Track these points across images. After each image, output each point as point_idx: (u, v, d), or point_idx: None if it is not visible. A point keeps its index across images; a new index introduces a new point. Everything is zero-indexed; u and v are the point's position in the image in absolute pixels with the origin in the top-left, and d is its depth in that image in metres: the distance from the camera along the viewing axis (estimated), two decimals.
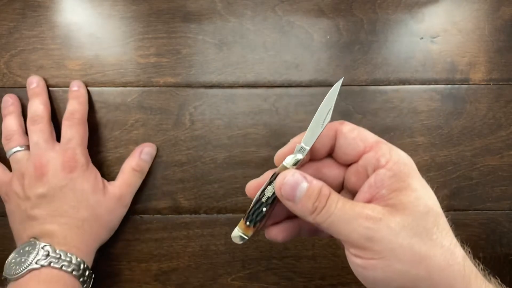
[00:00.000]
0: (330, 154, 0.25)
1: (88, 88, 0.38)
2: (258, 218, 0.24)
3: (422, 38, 0.39)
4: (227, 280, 0.39)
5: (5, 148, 0.36)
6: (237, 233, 0.25)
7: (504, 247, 0.39)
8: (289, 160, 0.23)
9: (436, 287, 0.20)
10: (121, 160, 0.38)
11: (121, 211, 0.37)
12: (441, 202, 0.36)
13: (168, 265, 0.39)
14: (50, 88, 0.38)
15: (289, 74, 0.38)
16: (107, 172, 0.38)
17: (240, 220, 0.25)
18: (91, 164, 0.36)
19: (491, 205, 0.39)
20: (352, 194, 0.24)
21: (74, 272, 0.31)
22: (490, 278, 0.22)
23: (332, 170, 0.25)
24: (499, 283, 0.22)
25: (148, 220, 0.39)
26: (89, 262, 0.34)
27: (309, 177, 0.21)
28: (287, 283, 0.39)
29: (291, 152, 0.23)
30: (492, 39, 0.39)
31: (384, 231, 0.20)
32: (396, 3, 0.38)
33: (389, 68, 0.38)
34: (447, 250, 0.20)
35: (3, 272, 0.31)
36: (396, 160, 0.21)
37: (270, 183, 0.23)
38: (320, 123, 0.22)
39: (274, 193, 0.23)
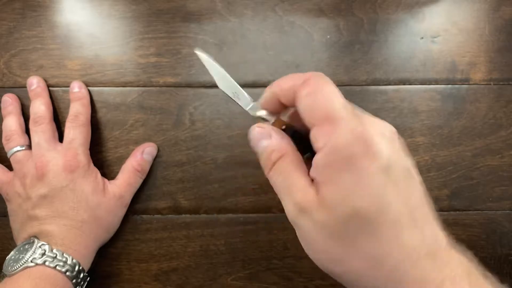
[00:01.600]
0: None
1: (88, 88, 0.38)
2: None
3: (422, 38, 0.38)
4: (227, 280, 0.39)
5: (6, 148, 0.36)
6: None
7: (504, 247, 0.39)
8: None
9: (358, 283, 0.20)
10: (121, 160, 0.38)
11: (121, 211, 0.37)
12: (441, 202, 0.36)
13: (168, 265, 0.39)
14: (50, 88, 0.38)
15: (289, 74, 0.38)
16: (107, 172, 0.38)
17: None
18: (92, 165, 0.36)
19: (492, 205, 0.39)
20: None
21: (68, 273, 0.31)
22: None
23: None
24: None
25: (148, 220, 0.39)
26: (87, 264, 0.34)
27: (274, 134, 0.21)
28: (287, 283, 0.39)
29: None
30: (492, 39, 0.39)
31: (306, 223, 0.20)
32: (396, 3, 0.38)
33: (390, 68, 0.38)
34: (368, 259, 0.19)
35: (3, 269, 0.31)
36: (334, 146, 0.18)
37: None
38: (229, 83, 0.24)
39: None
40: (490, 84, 0.39)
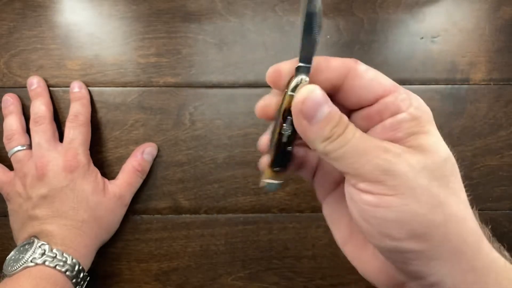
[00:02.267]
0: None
1: (88, 88, 0.38)
2: (286, 159, 0.22)
3: (422, 38, 0.38)
4: (227, 280, 0.39)
5: (6, 148, 0.36)
6: (269, 182, 0.23)
7: (504, 247, 0.39)
8: (293, 86, 0.20)
9: (448, 237, 0.18)
10: (121, 160, 0.38)
11: (121, 211, 0.37)
12: None
13: (168, 265, 0.39)
14: (50, 88, 0.38)
15: None
16: (107, 172, 0.38)
17: (262, 173, 0.23)
18: (92, 165, 0.36)
19: (491, 205, 0.39)
20: None
21: (67, 273, 0.31)
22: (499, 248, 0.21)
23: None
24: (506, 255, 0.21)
25: (148, 220, 0.39)
26: (87, 263, 0.34)
27: (330, 102, 0.19)
28: (287, 283, 0.39)
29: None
30: (492, 39, 0.39)
31: (403, 166, 0.18)
32: (396, 3, 0.38)
33: (389, 68, 0.38)
34: (463, 202, 0.19)
35: (3, 269, 0.31)
36: (417, 106, 0.19)
37: (284, 121, 0.20)
38: (313, 31, 0.19)
39: (293, 130, 0.20)
40: (490, 84, 0.39)
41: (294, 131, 0.20)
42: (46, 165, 0.33)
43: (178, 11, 0.38)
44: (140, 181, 0.38)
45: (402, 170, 0.18)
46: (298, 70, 0.20)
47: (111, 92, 0.38)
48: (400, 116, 0.19)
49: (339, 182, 0.24)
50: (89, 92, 0.38)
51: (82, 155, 0.35)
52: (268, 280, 0.39)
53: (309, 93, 0.19)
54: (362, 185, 0.18)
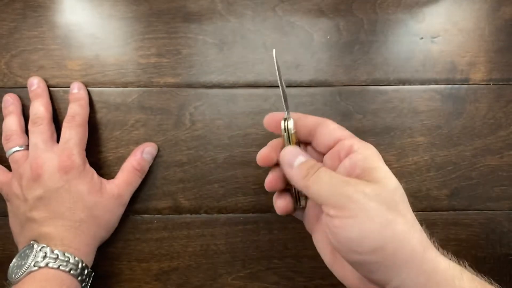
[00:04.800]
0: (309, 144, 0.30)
1: (89, 88, 0.38)
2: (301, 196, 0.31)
3: (422, 38, 0.39)
4: (228, 280, 0.39)
5: (5, 148, 0.36)
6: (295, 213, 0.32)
7: (504, 247, 0.39)
8: (283, 126, 0.28)
9: (399, 248, 0.23)
10: (121, 160, 0.38)
11: (119, 210, 0.37)
12: (441, 202, 0.36)
13: (169, 265, 0.39)
14: (51, 88, 0.38)
15: (289, 74, 0.38)
16: (107, 172, 0.38)
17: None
18: (87, 165, 0.36)
19: (491, 205, 0.39)
20: None
21: (72, 271, 0.31)
22: (447, 253, 0.25)
23: (313, 155, 0.30)
24: (450, 258, 0.25)
25: (149, 220, 0.39)
26: (89, 261, 0.34)
27: (306, 155, 0.28)
28: (288, 282, 0.39)
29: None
30: (492, 39, 0.39)
31: (360, 194, 0.23)
32: (396, 3, 0.38)
33: (389, 68, 0.38)
34: (409, 221, 0.24)
35: (7, 277, 0.31)
36: (366, 147, 0.26)
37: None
38: (281, 86, 0.28)
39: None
40: (490, 84, 0.39)
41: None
42: (41, 166, 0.33)
43: (179, 11, 0.38)
44: (139, 180, 0.38)
45: (358, 197, 0.23)
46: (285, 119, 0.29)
47: (112, 92, 0.38)
48: (353, 156, 0.26)
49: (320, 216, 0.30)
50: (89, 92, 0.38)
51: (77, 155, 0.34)
52: (268, 279, 0.39)
53: (289, 149, 0.28)
54: (331, 211, 0.24)
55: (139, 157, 0.37)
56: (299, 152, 0.27)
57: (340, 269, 0.28)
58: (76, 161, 0.34)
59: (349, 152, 0.26)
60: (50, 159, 0.34)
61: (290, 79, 0.38)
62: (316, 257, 0.39)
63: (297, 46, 0.38)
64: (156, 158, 0.39)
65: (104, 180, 0.36)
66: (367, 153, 0.25)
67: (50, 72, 0.38)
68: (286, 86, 0.38)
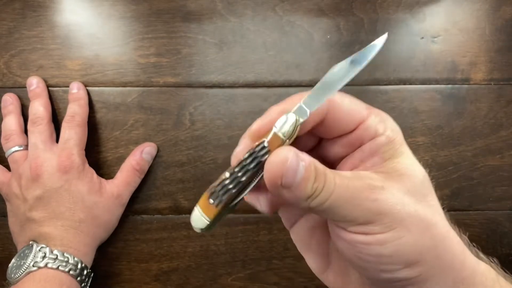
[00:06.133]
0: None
1: (88, 88, 0.38)
2: (226, 195, 0.18)
3: (422, 37, 0.38)
4: (227, 280, 0.39)
5: (4, 148, 0.36)
6: (198, 215, 0.19)
7: (505, 247, 0.39)
8: (284, 126, 0.17)
9: (439, 257, 0.18)
10: (121, 160, 0.38)
11: (119, 210, 0.37)
12: (441, 202, 0.36)
13: (168, 265, 0.39)
14: (50, 88, 0.38)
15: (290, 74, 0.38)
16: (107, 172, 0.38)
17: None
18: (87, 165, 0.36)
19: (492, 205, 0.39)
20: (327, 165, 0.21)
21: (71, 272, 0.31)
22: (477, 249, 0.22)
23: (305, 141, 0.21)
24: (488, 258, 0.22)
25: (149, 220, 0.39)
26: (89, 261, 0.34)
27: (299, 153, 0.18)
28: (288, 283, 0.39)
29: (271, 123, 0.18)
30: (493, 39, 0.39)
31: (390, 200, 0.17)
32: (396, 2, 0.38)
33: (390, 68, 0.38)
34: (443, 217, 0.19)
35: (7, 277, 0.31)
36: (392, 127, 0.20)
37: (259, 166, 0.18)
38: (335, 85, 0.18)
39: (257, 164, 0.18)
40: (491, 84, 0.39)
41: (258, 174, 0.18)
42: (41, 166, 0.33)
43: (178, 11, 0.38)
44: (138, 180, 0.37)
45: (391, 206, 0.17)
46: (295, 110, 0.18)
47: (111, 92, 0.38)
48: (378, 140, 0.19)
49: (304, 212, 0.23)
50: (89, 92, 0.38)
51: (76, 155, 0.34)
52: (268, 280, 0.39)
53: (284, 163, 0.17)
54: (354, 228, 0.18)
55: (139, 157, 0.37)
56: (296, 158, 0.17)
57: (337, 278, 0.22)
58: (76, 161, 0.34)
59: (373, 136, 0.20)
60: (50, 159, 0.34)
61: (290, 78, 0.38)
62: None
63: (297, 46, 0.38)
64: (156, 158, 0.38)
65: (103, 180, 0.36)
66: (393, 136, 0.19)
67: (50, 72, 0.38)
68: (286, 86, 0.38)
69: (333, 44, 0.38)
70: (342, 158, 0.21)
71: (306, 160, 0.17)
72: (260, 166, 0.18)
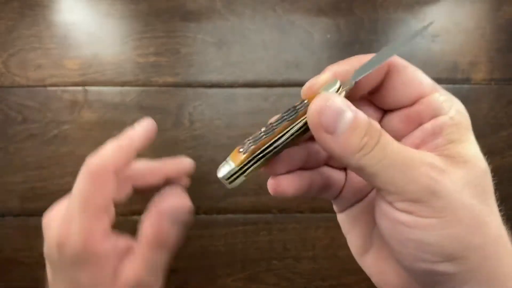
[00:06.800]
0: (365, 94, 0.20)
1: (87, 87, 0.38)
2: (256, 142, 0.18)
3: (423, 37, 0.38)
4: (227, 281, 0.39)
5: None
6: (224, 163, 0.18)
7: None
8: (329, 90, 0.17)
9: (485, 260, 0.16)
10: None
11: None
12: None
13: (168, 266, 0.39)
14: (48, 88, 0.38)
15: (289, 73, 0.38)
16: None
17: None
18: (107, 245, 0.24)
19: None
20: None
21: None
22: None
23: (368, 113, 0.18)
24: None
25: None
26: None
27: (353, 107, 0.16)
28: (287, 284, 0.39)
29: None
30: (493, 39, 0.38)
31: (449, 186, 0.16)
32: (397, 2, 0.38)
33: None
34: (499, 219, 0.17)
35: None
36: (459, 109, 0.18)
37: (296, 115, 0.18)
38: (383, 57, 0.17)
39: (300, 128, 0.17)
40: (491, 84, 0.38)
41: (298, 134, 0.18)
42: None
43: (177, 10, 0.38)
44: (167, 256, 0.25)
45: (448, 190, 0.16)
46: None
47: (110, 92, 0.38)
48: (441, 119, 0.17)
49: (365, 194, 0.22)
50: (87, 92, 0.37)
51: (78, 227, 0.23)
52: (268, 281, 0.39)
53: (325, 101, 0.16)
54: (401, 205, 0.16)
55: (161, 225, 0.24)
56: (342, 103, 0.16)
57: (376, 263, 0.21)
58: (74, 236, 0.22)
59: (436, 114, 0.18)
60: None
61: (290, 78, 0.38)
62: (316, 258, 0.39)
63: (297, 45, 0.38)
64: (155, 158, 0.38)
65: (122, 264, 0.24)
66: (458, 119, 0.18)
67: (48, 71, 0.38)
68: (286, 86, 0.38)
69: (333, 44, 0.38)
70: (402, 137, 0.19)
71: (358, 112, 0.16)
72: (297, 116, 0.18)
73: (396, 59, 0.18)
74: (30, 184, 0.38)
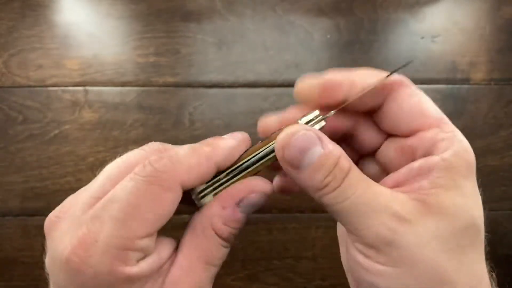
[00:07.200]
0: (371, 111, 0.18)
1: (87, 87, 0.38)
2: (233, 171, 0.18)
3: (423, 37, 0.38)
4: (227, 281, 0.39)
5: None
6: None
7: (505, 247, 0.39)
8: (306, 120, 0.17)
9: None
10: None
11: None
12: None
13: None
14: (49, 88, 0.38)
15: (289, 73, 0.38)
16: None
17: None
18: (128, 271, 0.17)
19: (492, 205, 0.39)
20: (382, 169, 0.19)
21: None
22: None
23: (369, 132, 0.18)
24: None
25: None
26: None
27: (325, 139, 0.16)
28: (287, 283, 0.39)
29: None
30: (493, 39, 0.38)
31: (410, 238, 0.15)
32: (396, 2, 0.38)
33: (390, 67, 0.38)
34: (476, 278, 0.16)
35: None
36: (457, 151, 0.16)
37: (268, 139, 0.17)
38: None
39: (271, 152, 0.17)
40: (491, 84, 0.39)
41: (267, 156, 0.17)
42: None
43: (178, 10, 0.38)
44: (223, 253, 0.19)
45: (408, 243, 0.15)
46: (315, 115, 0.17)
47: (110, 92, 0.38)
48: (432, 160, 0.16)
49: None
50: (88, 92, 0.38)
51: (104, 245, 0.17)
52: (267, 280, 0.39)
53: (290, 136, 0.16)
54: (359, 246, 0.16)
55: (230, 211, 0.18)
56: (312, 140, 0.16)
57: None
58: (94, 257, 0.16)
59: (429, 152, 0.16)
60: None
61: (290, 78, 0.38)
62: (316, 257, 0.39)
63: (297, 45, 0.38)
64: None
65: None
66: (454, 162, 0.16)
67: (49, 71, 0.38)
68: (286, 86, 0.38)
69: (333, 43, 0.38)
70: (393, 166, 0.18)
71: (328, 147, 0.15)
72: (269, 139, 0.18)
73: (404, 84, 0.17)
74: (30, 184, 0.38)
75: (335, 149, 0.16)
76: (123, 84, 0.38)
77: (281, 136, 0.16)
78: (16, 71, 0.38)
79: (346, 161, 0.16)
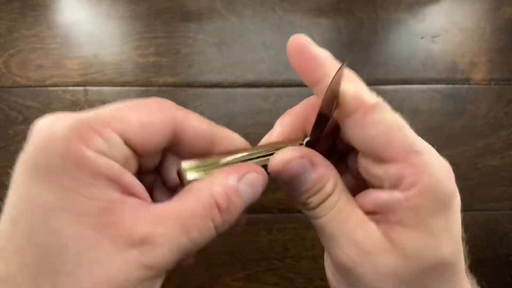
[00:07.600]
0: None
1: (87, 87, 0.38)
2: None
3: (423, 37, 0.38)
4: (227, 281, 0.39)
5: None
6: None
7: (505, 247, 0.39)
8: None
9: None
10: None
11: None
12: None
13: None
14: (49, 88, 0.38)
15: (289, 73, 0.38)
16: None
17: None
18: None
19: (492, 205, 0.39)
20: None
21: None
22: None
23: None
24: None
25: None
26: None
27: (319, 162, 0.16)
28: (287, 283, 0.39)
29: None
30: (493, 39, 0.38)
31: (367, 270, 0.15)
32: (396, 2, 0.38)
33: (390, 67, 0.38)
34: None
35: None
36: (424, 189, 0.14)
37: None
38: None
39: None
40: (491, 84, 0.39)
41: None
42: None
43: (178, 10, 0.38)
44: (212, 233, 0.16)
45: (365, 275, 0.15)
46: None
47: (110, 92, 0.38)
48: (396, 198, 0.15)
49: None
50: (87, 92, 0.38)
51: None
52: (267, 280, 0.39)
53: (283, 164, 0.16)
54: (329, 263, 0.17)
55: (232, 184, 0.17)
56: (306, 166, 0.16)
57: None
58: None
59: (395, 186, 0.15)
60: None
61: (290, 78, 0.38)
62: (316, 258, 0.39)
63: None
64: None
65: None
66: (418, 202, 0.14)
67: (49, 71, 0.38)
68: (286, 86, 0.38)
69: (333, 44, 0.38)
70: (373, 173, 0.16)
71: (318, 173, 0.16)
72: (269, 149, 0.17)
73: (370, 110, 0.15)
74: None
75: (325, 174, 0.16)
76: (123, 84, 0.38)
77: (277, 161, 0.16)
78: (16, 71, 0.38)
79: (330, 185, 0.16)
